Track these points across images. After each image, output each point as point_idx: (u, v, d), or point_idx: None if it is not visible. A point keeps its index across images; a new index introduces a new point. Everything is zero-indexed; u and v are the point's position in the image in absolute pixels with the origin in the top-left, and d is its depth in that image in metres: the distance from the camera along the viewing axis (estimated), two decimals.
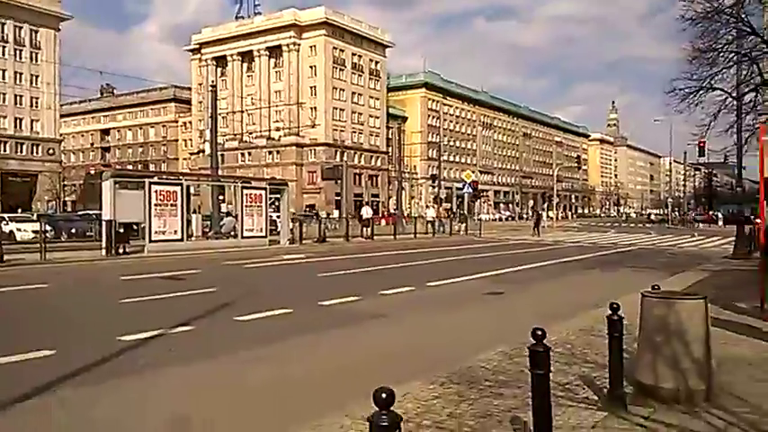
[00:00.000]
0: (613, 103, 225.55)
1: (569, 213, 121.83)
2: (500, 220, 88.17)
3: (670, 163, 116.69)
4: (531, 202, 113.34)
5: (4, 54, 69.42)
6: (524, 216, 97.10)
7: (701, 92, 16.29)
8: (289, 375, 6.15)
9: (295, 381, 5.94)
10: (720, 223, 61.21)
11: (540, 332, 3.34)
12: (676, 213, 76.85)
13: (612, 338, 4.46)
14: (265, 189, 23.63)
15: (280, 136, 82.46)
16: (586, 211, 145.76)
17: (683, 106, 16.59)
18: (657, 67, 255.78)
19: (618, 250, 26.51)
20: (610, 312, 4.46)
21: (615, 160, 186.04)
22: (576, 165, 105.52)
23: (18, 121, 71.22)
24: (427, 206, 37.68)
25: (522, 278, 15.23)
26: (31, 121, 72.32)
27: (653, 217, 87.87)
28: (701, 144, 43.63)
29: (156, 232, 18.94)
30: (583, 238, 35.28)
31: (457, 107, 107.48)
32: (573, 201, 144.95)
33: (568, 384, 5.16)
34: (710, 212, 76.68)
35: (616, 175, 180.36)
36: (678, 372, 4.44)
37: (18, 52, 70.79)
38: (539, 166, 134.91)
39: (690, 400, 4.41)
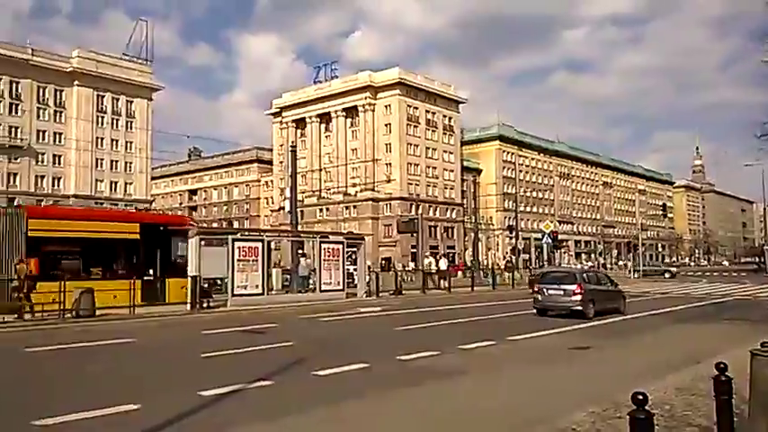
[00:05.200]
0: (697, 149, 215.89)
1: (662, 264, 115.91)
2: None
3: (764, 209, 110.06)
4: (614, 252, 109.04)
5: (102, 123, 75.11)
6: (608, 266, 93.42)
7: None
8: None
9: None
10: None
11: (641, 396, 3.04)
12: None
13: (721, 402, 4.04)
14: (342, 243, 23.86)
15: (356, 191, 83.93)
16: (674, 259, 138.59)
17: None
18: (741, 113, 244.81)
19: (712, 301, 24.87)
20: (716, 372, 4.06)
21: (703, 207, 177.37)
22: (661, 213, 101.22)
23: (113, 184, 76.21)
24: (426, 255, 34.78)
25: (609, 332, 14.46)
26: (125, 183, 77.21)
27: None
28: None
29: (238, 287, 19.39)
30: (672, 289, 33.41)
31: (533, 158, 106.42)
32: (659, 249, 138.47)
33: None
34: None
35: (704, 223, 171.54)
36: None
37: (115, 121, 76.47)
38: (621, 215, 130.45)
39: None
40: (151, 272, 18.94)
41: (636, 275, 52.31)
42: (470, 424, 6.26)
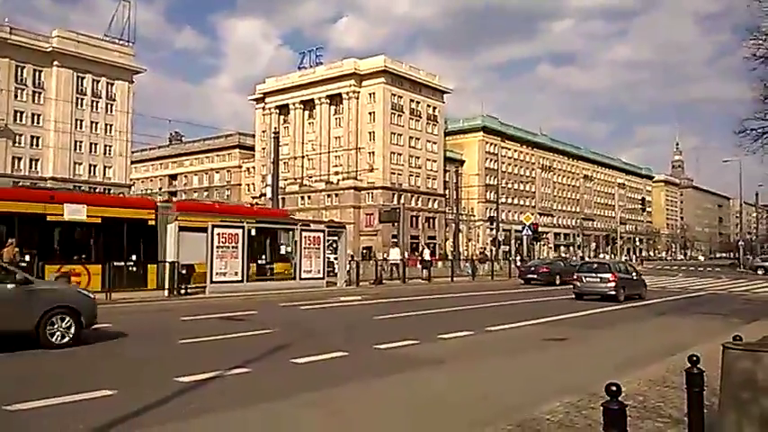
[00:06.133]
0: (677, 144, 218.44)
1: (633, 256, 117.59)
2: None
3: (740, 205, 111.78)
4: (593, 245, 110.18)
5: (82, 105, 73.92)
6: (586, 259, 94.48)
7: None
8: (344, 423, 5.98)
9: (349, 429, 5.75)
10: None
11: (614, 387, 3.08)
12: (749, 257, 72.95)
13: (692, 394, 4.10)
14: (323, 231, 23.80)
15: (338, 180, 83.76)
16: (651, 254, 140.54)
17: (756, 146, 15.96)
18: (723, 109, 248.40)
19: (688, 295, 25.28)
20: (689, 365, 4.13)
21: (681, 202, 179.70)
22: (640, 207, 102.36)
23: (92, 167, 75.18)
24: (393, 245, 32.43)
25: (586, 324, 14.63)
26: (104, 167, 76.22)
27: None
28: None
29: (217, 273, 19.26)
30: (649, 282, 33.81)
31: (515, 150, 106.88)
32: (637, 243, 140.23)
33: None
34: None
35: (682, 218, 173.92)
36: None
37: (95, 103, 75.31)
38: (601, 209, 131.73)
39: None
40: (263, 257, 22.59)
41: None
42: (446, 412, 6.30)
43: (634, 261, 78.75)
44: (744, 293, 26.85)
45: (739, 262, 69.91)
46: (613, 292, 20.36)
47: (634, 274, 23.13)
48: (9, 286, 9.16)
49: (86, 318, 9.82)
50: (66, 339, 9.50)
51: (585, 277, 21.44)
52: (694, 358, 4.08)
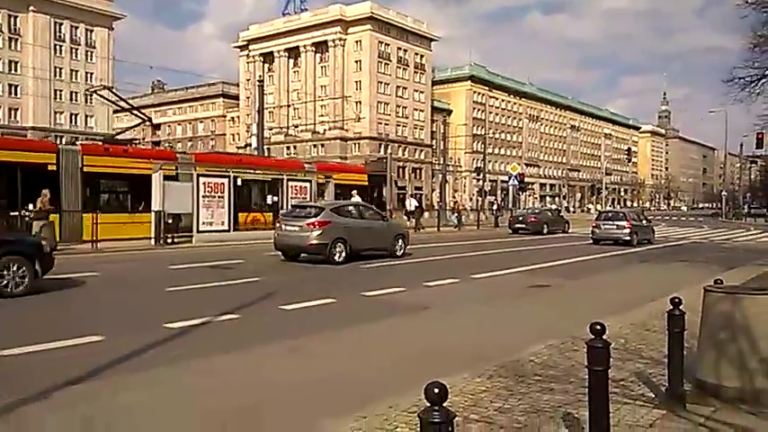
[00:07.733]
0: (665, 94, 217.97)
1: (619, 207, 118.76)
2: None
3: (725, 155, 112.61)
4: (578, 195, 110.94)
5: (61, 53, 71.90)
6: (571, 209, 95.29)
7: (762, 80, 15.59)
8: (332, 367, 6.08)
9: (338, 372, 5.85)
10: None
11: (599, 327, 3.16)
12: (730, 207, 73.98)
13: (673, 335, 4.21)
14: (310, 181, 23.71)
15: (325, 130, 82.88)
16: (635, 204, 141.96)
17: (743, 95, 15.93)
18: (711, 60, 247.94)
19: (669, 244, 25.69)
20: (671, 307, 4.22)
21: (667, 153, 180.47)
22: (626, 157, 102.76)
23: (73, 116, 73.72)
24: (352, 195, 26.85)
25: (569, 271, 14.85)
26: (86, 116, 74.73)
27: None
28: (760, 135, 41.94)
29: (203, 223, 19.23)
30: None
31: (503, 100, 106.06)
32: (622, 194, 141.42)
33: (623, 381, 4.93)
34: None
35: (667, 168, 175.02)
36: (744, 371, 4.16)
37: (74, 51, 73.25)
38: (587, 159, 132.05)
39: (756, 401, 4.14)
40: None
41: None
42: (428, 356, 6.40)
43: None
44: (724, 242, 27.33)
45: (722, 212, 70.95)
46: (628, 238, 22.79)
47: (644, 221, 25.69)
48: (379, 222, 16.54)
49: (406, 242, 16.92)
50: (400, 253, 16.39)
51: (603, 225, 23.87)
52: (676, 300, 4.17)
